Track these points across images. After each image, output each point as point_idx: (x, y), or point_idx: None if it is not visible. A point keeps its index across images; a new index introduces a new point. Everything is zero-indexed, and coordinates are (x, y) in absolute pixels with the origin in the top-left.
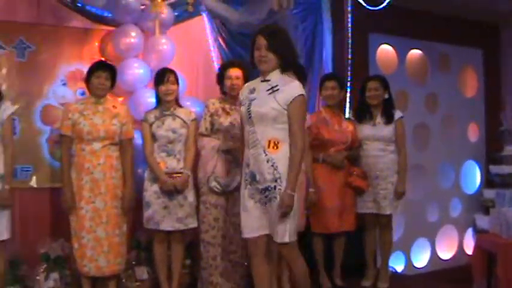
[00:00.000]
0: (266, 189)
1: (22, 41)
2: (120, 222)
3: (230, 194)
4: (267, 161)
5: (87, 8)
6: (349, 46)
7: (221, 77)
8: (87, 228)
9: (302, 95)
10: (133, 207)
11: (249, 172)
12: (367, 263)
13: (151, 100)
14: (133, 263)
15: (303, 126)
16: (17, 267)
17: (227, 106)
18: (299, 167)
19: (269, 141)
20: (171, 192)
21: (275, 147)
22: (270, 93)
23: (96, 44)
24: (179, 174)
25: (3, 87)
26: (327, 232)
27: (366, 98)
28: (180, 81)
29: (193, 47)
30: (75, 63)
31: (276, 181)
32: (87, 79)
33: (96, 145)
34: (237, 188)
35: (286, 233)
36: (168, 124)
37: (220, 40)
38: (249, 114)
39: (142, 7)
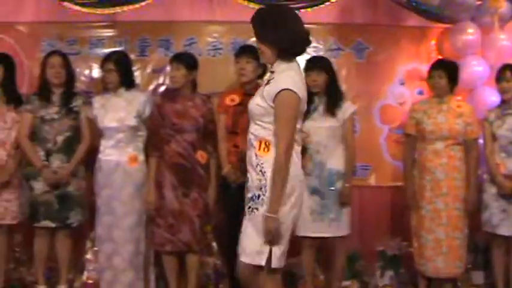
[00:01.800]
0: (251, 198)
1: (360, 42)
2: (461, 224)
3: None
4: (256, 165)
5: (422, 7)
6: None
7: None
8: (426, 228)
9: (287, 89)
10: (476, 210)
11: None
12: None
13: (492, 99)
14: (470, 266)
15: (289, 126)
16: (354, 263)
17: None
18: (284, 178)
19: (260, 142)
20: (509, 195)
21: (266, 150)
22: (263, 87)
23: (433, 42)
24: None
25: (344, 87)
26: None
27: None
28: None
29: None
30: (413, 62)
31: (260, 189)
32: (427, 78)
33: (439, 144)
34: None
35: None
36: (510, 123)
37: None
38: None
39: (479, 3)
